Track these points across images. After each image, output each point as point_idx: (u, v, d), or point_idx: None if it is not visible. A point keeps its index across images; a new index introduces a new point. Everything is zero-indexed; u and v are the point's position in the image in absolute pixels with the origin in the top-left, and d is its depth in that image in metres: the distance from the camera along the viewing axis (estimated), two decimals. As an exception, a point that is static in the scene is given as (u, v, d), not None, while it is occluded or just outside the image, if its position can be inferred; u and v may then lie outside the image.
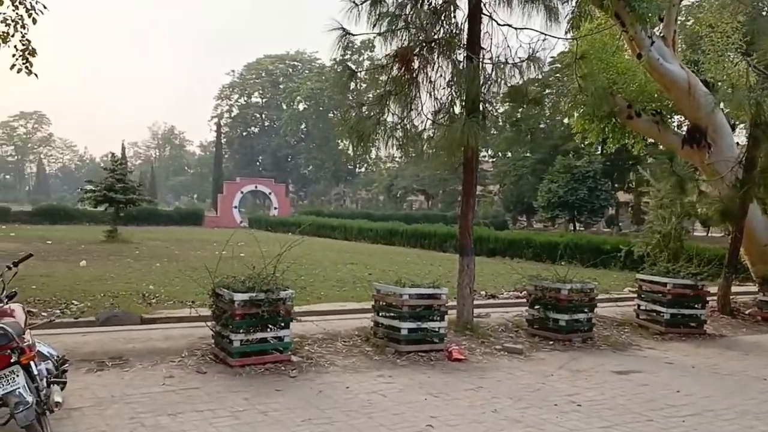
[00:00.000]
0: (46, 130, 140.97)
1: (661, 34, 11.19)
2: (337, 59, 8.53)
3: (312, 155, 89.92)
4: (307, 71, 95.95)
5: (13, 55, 9.15)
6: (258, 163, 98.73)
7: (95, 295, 12.38)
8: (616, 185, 52.02)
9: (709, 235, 35.79)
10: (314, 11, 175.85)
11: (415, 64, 7.99)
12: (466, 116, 7.37)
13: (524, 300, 12.92)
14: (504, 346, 8.70)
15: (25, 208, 57.22)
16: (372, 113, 8.44)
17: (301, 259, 21.14)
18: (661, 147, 52.01)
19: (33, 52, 9.01)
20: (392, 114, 8.50)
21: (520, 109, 8.20)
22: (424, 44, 7.99)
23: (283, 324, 7.63)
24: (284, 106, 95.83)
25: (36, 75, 9.16)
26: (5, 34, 8.84)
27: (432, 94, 8.33)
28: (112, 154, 31.88)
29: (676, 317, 10.36)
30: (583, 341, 9.35)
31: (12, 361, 4.71)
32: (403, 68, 7.97)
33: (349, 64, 8.65)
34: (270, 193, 60.21)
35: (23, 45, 9.01)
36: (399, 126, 8.45)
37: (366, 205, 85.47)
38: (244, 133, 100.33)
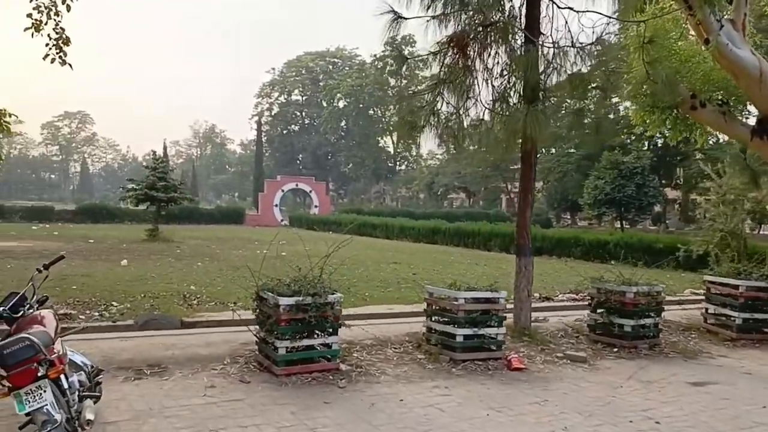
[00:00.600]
0: (89, 129, 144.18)
1: (730, 18, 10.42)
2: (388, 44, 7.85)
3: (352, 153, 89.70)
4: (347, 68, 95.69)
5: (47, 44, 8.75)
6: (298, 161, 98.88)
7: (135, 296, 12.14)
8: (663, 182, 50.32)
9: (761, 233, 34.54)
10: (356, 8, 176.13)
11: (472, 51, 7.42)
12: (527, 105, 6.81)
13: (582, 303, 12.33)
14: (566, 354, 8.10)
15: (68, 207, 58.05)
16: (425, 102, 7.88)
17: (344, 259, 20.61)
18: (716, 140, 50.89)
19: (67, 41, 8.60)
20: (446, 103, 7.92)
21: (585, 99, 7.47)
22: (481, 28, 7.43)
23: (331, 330, 7.16)
24: (324, 104, 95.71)
25: (70, 65, 8.76)
26: (38, 22, 8.47)
27: (489, 81, 7.77)
28: (154, 152, 31.91)
29: (749, 322, 9.60)
30: (649, 348, 8.69)
31: (39, 375, 4.32)
32: (459, 54, 7.42)
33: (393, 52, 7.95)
34: (310, 191, 60.11)
35: (57, 33, 8.60)
36: (454, 116, 7.87)
37: (406, 203, 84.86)
38: (285, 131, 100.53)
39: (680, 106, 11.20)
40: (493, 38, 7.46)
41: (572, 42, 7.31)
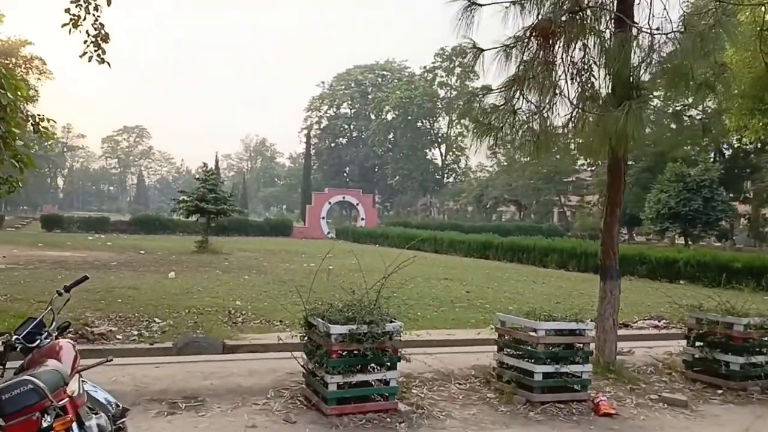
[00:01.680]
0: (146, 143, 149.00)
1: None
2: (463, 35, 6.83)
3: (399, 165, 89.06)
4: (396, 80, 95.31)
5: (84, 41, 8.11)
6: (345, 174, 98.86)
7: (179, 311, 11.57)
8: (730, 195, 47.51)
9: None
10: (405, 22, 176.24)
11: (557, 42, 6.41)
12: (628, 102, 5.77)
13: (667, 332, 11.15)
14: (661, 396, 6.93)
15: (123, 218, 58.87)
16: (502, 101, 6.88)
17: (403, 279, 19.70)
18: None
19: (105, 38, 7.93)
20: (526, 101, 6.91)
21: (685, 97, 6.33)
22: (566, 16, 6.41)
23: (389, 364, 6.18)
24: (372, 116, 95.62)
25: (108, 63, 8.11)
26: (76, 18, 7.83)
27: (576, 77, 6.73)
28: (205, 164, 31.73)
29: None
30: (762, 391, 7.42)
31: (43, 426, 3.49)
32: (542, 46, 6.43)
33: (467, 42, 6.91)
34: (357, 204, 59.47)
35: (95, 29, 7.94)
36: (536, 116, 6.82)
37: (453, 216, 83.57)
38: (333, 144, 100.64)
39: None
40: (581, 27, 6.43)
41: (672, 29, 6.20)
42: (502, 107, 6.80)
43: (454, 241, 36.38)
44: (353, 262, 24.07)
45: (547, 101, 6.64)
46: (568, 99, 6.65)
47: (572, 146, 7.51)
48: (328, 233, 54.98)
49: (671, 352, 8.69)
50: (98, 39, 7.89)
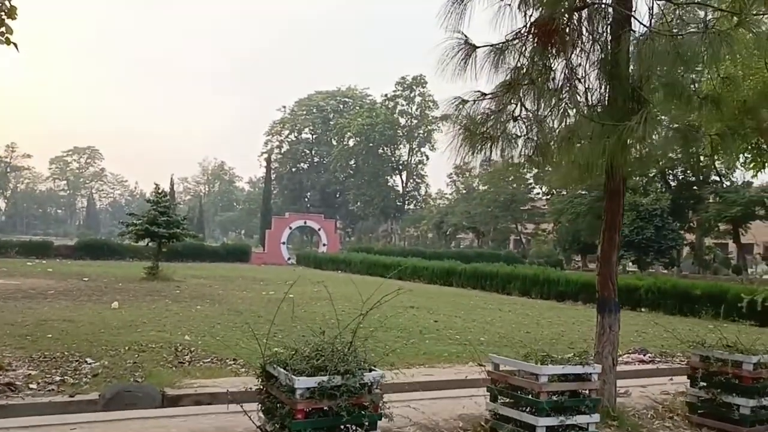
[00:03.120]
0: (98, 165, 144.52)
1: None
2: (451, 29, 5.92)
3: (361, 191, 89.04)
4: (357, 107, 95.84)
5: None
6: (306, 199, 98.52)
7: (119, 348, 10.34)
8: (676, 224, 48.85)
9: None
10: (365, 48, 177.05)
11: (559, 41, 5.63)
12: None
13: (652, 366, 10.45)
14: (668, 445, 6.18)
15: (67, 242, 56.24)
16: (499, 107, 6.05)
17: (354, 300, 18.83)
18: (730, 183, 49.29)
19: (12, 13, 6.64)
20: (524, 108, 6.09)
21: (690, 111, 5.56)
22: (571, 12, 5.65)
23: (368, 424, 4.96)
24: (334, 142, 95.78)
25: (15, 45, 6.80)
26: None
27: (576, 84, 5.97)
28: (156, 185, 30.26)
29: None
30: None
31: None
32: (543, 45, 5.66)
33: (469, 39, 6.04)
34: (319, 229, 58.41)
35: None
36: (534, 125, 5.99)
37: (414, 242, 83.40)
38: (294, 169, 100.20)
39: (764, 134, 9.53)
40: (581, 27, 5.70)
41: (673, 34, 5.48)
42: (493, 115, 5.94)
43: (418, 267, 35.65)
44: (316, 290, 23.23)
45: (549, 109, 5.85)
46: (575, 107, 5.86)
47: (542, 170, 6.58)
48: (289, 259, 53.79)
49: (668, 391, 7.92)
50: (2, 14, 6.59)
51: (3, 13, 6.57)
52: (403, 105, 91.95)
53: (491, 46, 5.98)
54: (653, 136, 5.22)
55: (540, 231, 68.69)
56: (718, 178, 50.18)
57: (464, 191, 77.22)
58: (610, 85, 5.68)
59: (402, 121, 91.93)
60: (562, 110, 5.82)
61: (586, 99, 5.84)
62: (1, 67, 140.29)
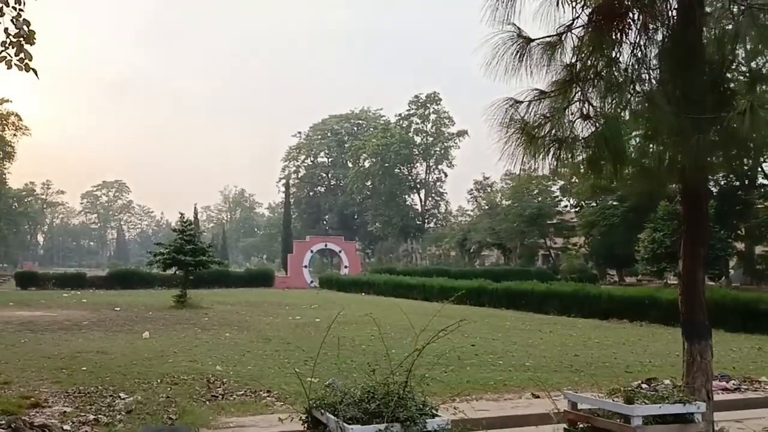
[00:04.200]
0: (126, 197, 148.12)
1: None
2: (500, 22, 5.28)
3: (379, 211, 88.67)
4: (372, 129, 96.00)
5: (3, 43, 6.29)
6: (324, 222, 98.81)
7: (151, 382, 10.02)
8: (722, 232, 46.37)
9: None
10: (381, 70, 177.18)
11: (628, 27, 4.98)
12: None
13: (741, 395, 9.47)
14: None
15: (99, 272, 56.83)
16: (564, 105, 5.38)
17: (383, 324, 18.40)
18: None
19: (30, 38, 6.18)
20: (591, 105, 5.42)
21: None
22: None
23: None
24: (350, 164, 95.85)
25: (35, 71, 6.35)
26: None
27: (653, 71, 5.26)
28: (182, 214, 30.19)
29: None
30: None
31: None
32: (607, 31, 5.00)
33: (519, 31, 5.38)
34: (340, 251, 57.90)
35: (16, 27, 6.13)
36: (599, 123, 5.27)
37: (436, 261, 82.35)
38: (311, 193, 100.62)
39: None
40: (654, 7, 5.01)
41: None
42: (556, 115, 5.24)
43: (445, 287, 34.72)
44: (343, 313, 22.60)
45: (620, 106, 5.17)
46: (642, 101, 5.19)
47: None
48: (311, 282, 53.27)
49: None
50: (20, 40, 6.14)
51: (22, 39, 6.14)
52: (417, 123, 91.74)
53: (548, 37, 5.33)
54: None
55: (570, 245, 66.60)
56: (766, 182, 47.28)
57: (487, 207, 75.95)
58: (684, 76, 5.01)
59: (417, 139, 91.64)
60: (637, 106, 5.17)
61: (663, 92, 5.16)
62: (33, 108, 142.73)
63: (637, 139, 5.34)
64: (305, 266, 55.13)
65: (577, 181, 54.79)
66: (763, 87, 4.99)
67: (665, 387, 9.53)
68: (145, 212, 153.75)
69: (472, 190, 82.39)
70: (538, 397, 9.06)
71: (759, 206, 46.74)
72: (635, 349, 15.13)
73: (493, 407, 8.37)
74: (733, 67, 5.18)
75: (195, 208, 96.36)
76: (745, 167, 39.78)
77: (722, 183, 47.12)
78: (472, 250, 75.90)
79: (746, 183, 46.43)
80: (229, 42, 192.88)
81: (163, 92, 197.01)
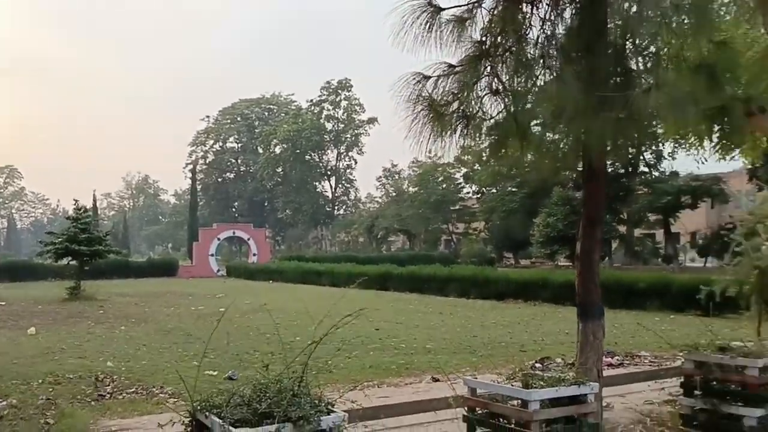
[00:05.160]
0: (17, 184, 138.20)
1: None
2: None
3: (290, 198, 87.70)
4: (283, 114, 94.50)
5: None
6: (233, 209, 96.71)
7: (31, 382, 9.20)
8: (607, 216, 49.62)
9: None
10: (289, 55, 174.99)
11: (541, 4, 4.75)
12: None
13: (624, 370, 9.81)
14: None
15: (-16, 264, 53.05)
16: (472, 81, 5.10)
17: (290, 312, 18.23)
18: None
19: None
20: (500, 82, 5.16)
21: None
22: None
23: None
24: (260, 150, 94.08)
25: None
26: None
27: (560, 50, 5.05)
28: (76, 201, 28.55)
29: None
30: None
31: None
32: (516, 4, 4.75)
33: None
34: (248, 239, 56.78)
35: None
36: (508, 99, 5.03)
37: (345, 247, 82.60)
38: (220, 179, 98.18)
39: (730, 113, 8.96)
40: None
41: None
42: (465, 91, 4.96)
43: (352, 273, 34.83)
44: (248, 302, 22.15)
45: (528, 83, 4.97)
46: (551, 79, 5.00)
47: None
48: (218, 271, 52.02)
49: (651, 400, 7.24)
50: None
51: None
52: (329, 110, 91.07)
53: (459, 7, 5.05)
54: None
55: (471, 230, 69.12)
56: (647, 169, 50.91)
57: (394, 194, 76.98)
58: (591, 54, 4.86)
59: (329, 126, 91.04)
60: (545, 84, 4.97)
61: (571, 70, 4.98)
62: None
63: (542, 117, 5.15)
64: (212, 254, 53.80)
65: (479, 168, 57.04)
66: (665, 66, 4.92)
67: (557, 365, 9.83)
68: (39, 200, 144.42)
69: (380, 177, 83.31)
70: (438, 380, 9.07)
71: (639, 192, 50.59)
72: (529, 329, 15.79)
73: (394, 393, 8.20)
74: (637, 47, 5.08)
75: (94, 195, 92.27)
76: (644, 149, 42.41)
77: (609, 169, 49.81)
78: (379, 236, 76.74)
79: (629, 170, 49.57)
80: (138, 26, 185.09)
81: (62, 75, 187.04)
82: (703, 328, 6.71)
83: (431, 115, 5.11)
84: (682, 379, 6.32)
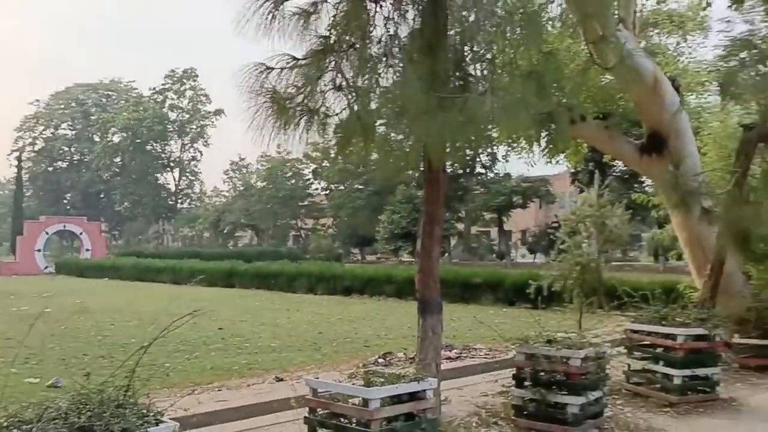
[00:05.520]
0: None
1: (620, 16, 9.00)
2: None
3: (129, 190, 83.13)
4: (123, 101, 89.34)
5: None
6: (65, 201, 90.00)
7: None
8: (447, 214, 52.46)
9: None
10: (131, 41, 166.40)
11: (385, 3, 4.72)
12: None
13: (461, 363, 10.10)
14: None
15: None
16: (317, 75, 4.97)
17: (125, 312, 17.29)
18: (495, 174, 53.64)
19: None
20: (343, 78, 5.09)
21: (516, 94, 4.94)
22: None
23: None
24: (97, 138, 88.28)
25: None
26: None
27: (404, 49, 5.06)
28: None
29: (690, 380, 7.69)
30: None
31: None
32: (363, 4, 4.68)
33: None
34: (81, 233, 53.25)
35: None
36: (357, 99, 4.97)
37: (188, 243, 79.94)
38: (50, 168, 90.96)
39: (556, 120, 9.58)
40: None
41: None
42: (309, 85, 4.85)
43: (195, 270, 33.69)
44: (79, 301, 20.70)
45: (372, 80, 4.93)
46: (395, 75, 5.00)
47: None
48: (46, 268, 48.34)
49: (486, 392, 7.51)
50: None
51: None
52: (173, 99, 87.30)
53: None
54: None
55: (319, 226, 69.46)
56: (483, 170, 54.30)
57: (242, 188, 75.57)
58: (432, 56, 4.94)
59: (172, 115, 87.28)
60: (389, 83, 4.98)
61: (413, 70, 5.02)
62: None
63: (386, 116, 5.18)
64: (38, 250, 49.89)
65: (328, 164, 57.70)
66: (500, 72, 5.13)
67: (399, 360, 10.08)
68: None
69: (228, 170, 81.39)
70: (282, 380, 8.94)
71: (476, 192, 54.49)
72: (373, 324, 16.02)
73: (233, 396, 7.88)
74: (475, 53, 5.25)
75: None
76: (480, 151, 45.22)
77: (449, 170, 52.75)
78: (226, 231, 75.06)
79: (467, 171, 52.75)
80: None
81: None
82: (532, 321, 7.07)
83: (274, 108, 4.98)
84: (514, 371, 6.62)
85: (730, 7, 12.07)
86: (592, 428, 6.38)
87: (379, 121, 5.53)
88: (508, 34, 5.03)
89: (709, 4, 12.89)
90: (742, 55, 8.71)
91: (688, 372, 7.61)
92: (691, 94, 14.25)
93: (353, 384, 4.92)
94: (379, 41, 4.92)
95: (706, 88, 14.47)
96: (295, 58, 5.03)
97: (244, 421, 6.74)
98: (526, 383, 6.36)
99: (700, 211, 9.15)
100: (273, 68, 5.03)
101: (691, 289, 11.34)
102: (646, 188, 27.83)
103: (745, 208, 8.57)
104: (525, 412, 6.44)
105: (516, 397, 6.54)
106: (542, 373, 6.25)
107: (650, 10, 13.64)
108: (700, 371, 7.74)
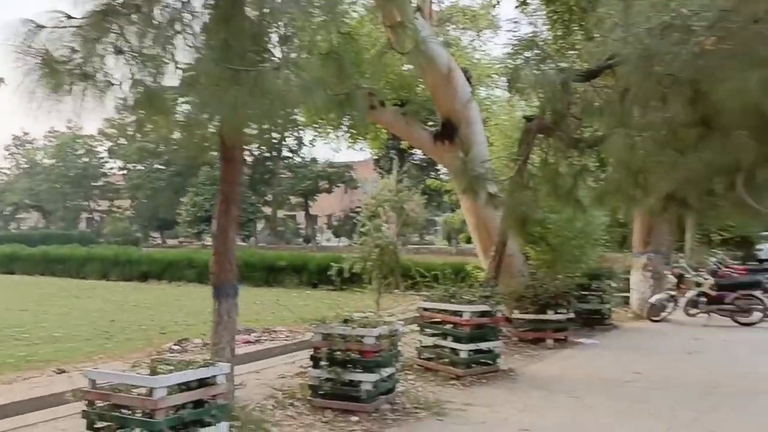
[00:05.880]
0: None
1: (417, 5, 9.24)
2: None
3: None
4: None
5: None
6: None
7: None
8: (253, 198, 51.60)
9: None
10: None
11: None
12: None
13: (260, 346, 10.01)
14: (300, 441, 5.49)
15: None
16: (95, 37, 4.46)
17: None
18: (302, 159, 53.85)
19: None
20: (128, 42, 4.60)
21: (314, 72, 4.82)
22: None
23: None
24: None
25: None
26: None
27: (198, 16, 4.70)
28: None
29: (474, 354, 8.20)
30: (393, 409, 6.51)
31: None
32: None
33: None
34: None
35: None
36: (137, 62, 4.52)
37: (-39, 226, 71.64)
38: None
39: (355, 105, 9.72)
40: None
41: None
42: (87, 47, 4.36)
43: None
44: None
45: (159, 47, 4.55)
46: (187, 44, 4.65)
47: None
48: None
49: (284, 374, 7.44)
50: None
51: None
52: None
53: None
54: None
55: (116, 208, 65.05)
56: (290, 154, 54.14)
57: (26, 165, 68.82)
58: (227, 26, 4.68)
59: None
60: (179, 52, 4.65)
61: (207, 40, 4.74)
62: None
63: (178, 87, 4.86)
64: None
65: (125, 142, 54.18)
66: (285, 49, 5.06)
67: (195, 346, 9.77)
68: None
69: (9, 146, 73.61)
70: (64, 371, 8.29)
71: (283, 176, 54.19)
72: (171, 310, 15.57)
73: (4, 391, 7.12)
74: (272, 26, 5.11)
75: None
76: (287, 134, 45.12)
77: (255, 153, 52.31)
78: (7, 213, 68.30)
79: (274, 154, 52.55)
80: None
81: None
82: (333, 303, 7.14)
83: (46, 71, 4.47)
84: (312, 352, 6.63)
85: (517, 7, 13.05)
86: (384, 404, 6.58)
87: (180, 99, 5.23)
88: (307, 12, 4.92)
89: (498, 2, 13.81)
90: (527, 54, 9.38)
91: (473, 346, 8.13)
92: (482, 87, 15.31)
93: (137, 373, 4.62)
94: (167, 6, 4.60)
95: (494, 82, 15.59)
96: (71, 17, 4.54)
97: (14, 419, 6.09)
98: (323, 363, 6.39)
99: (486, 196, 9.76)
100: (44, 27, 4.51)
101: (478, 269, 12.15)
102: (441, 175, 29.52)
103: (524, 194, 9.30)
104: (321, 392, 6.46)
105: (313, 377, 6.54)
106: (338, 353, 6.30)
107: (448, 4, 14.34)
108: (484, 345, 8.32)
